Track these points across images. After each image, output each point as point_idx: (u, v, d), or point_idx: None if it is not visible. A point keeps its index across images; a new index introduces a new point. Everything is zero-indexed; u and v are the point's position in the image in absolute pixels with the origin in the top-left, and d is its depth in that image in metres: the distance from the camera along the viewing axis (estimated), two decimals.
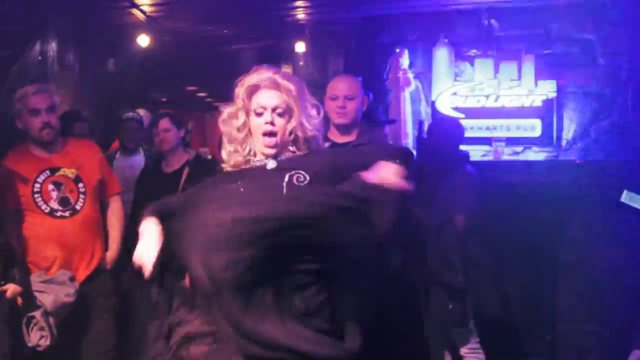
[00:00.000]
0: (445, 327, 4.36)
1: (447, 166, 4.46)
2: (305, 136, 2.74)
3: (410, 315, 4.65)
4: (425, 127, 6.32)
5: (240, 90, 2.72)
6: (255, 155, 2.74)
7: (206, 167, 4.52)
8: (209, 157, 6.54)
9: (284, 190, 2.50)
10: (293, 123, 2.71)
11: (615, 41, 6.00)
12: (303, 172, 2.57)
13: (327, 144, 3.52)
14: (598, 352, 5.20)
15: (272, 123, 2.67)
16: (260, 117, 2.68)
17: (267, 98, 2.69)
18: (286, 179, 2.53)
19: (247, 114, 2.72)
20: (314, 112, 2.78)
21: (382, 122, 5.69)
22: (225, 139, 2.78)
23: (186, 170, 4.59)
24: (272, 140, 2.67)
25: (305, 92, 2.77)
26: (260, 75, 2.71)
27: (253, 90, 2.70)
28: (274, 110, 2.68)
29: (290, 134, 2.70)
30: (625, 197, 3.62)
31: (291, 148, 2.73)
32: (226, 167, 2.77)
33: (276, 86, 2.69)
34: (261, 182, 2.58)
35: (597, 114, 6.08)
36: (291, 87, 2.70)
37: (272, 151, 2.68)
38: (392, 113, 6.67)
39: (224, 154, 2.78)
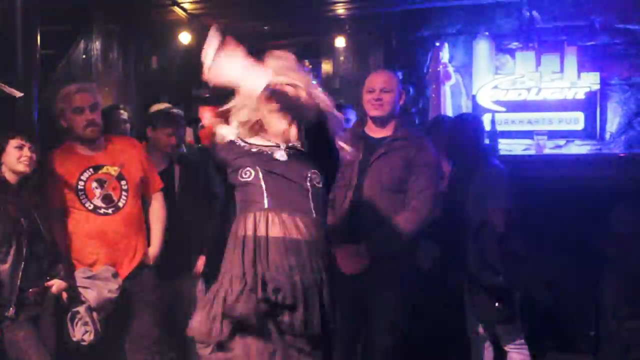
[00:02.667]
0: (491, 324, 4.29)
1: (473, 163, 4.37)
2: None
3: (450, 311, 4.63)
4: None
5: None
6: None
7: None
8: None
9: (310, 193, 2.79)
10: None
11: None
12: (317, 172, 2.83)
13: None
14: None
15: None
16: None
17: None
18: (308, 181, 2.81)
19: None
20: None
21: None
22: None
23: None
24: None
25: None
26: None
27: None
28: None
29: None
30: None
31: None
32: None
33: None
34: (282, 179, 2.81)
35: None
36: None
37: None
38: (432, 107, 6.60)
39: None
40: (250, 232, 2.73)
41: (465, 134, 4.47)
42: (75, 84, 4.18)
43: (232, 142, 2.95)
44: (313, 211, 2.78)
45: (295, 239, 2.72)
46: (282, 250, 2.70)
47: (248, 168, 2.83)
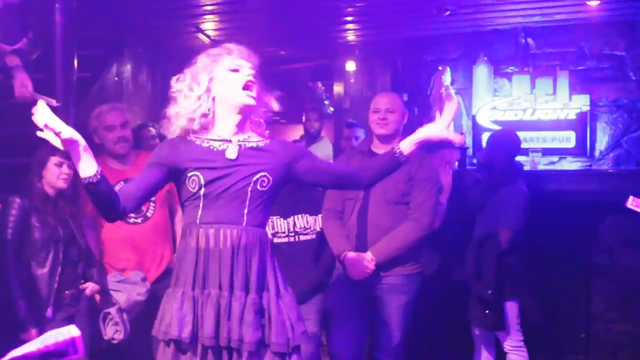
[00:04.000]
0: (485, 328, 4.30)
1: (499, 179, 4.37)
2: (263, 110, 2.67)
3: (452, 314, 4.64)
4: (467, 139, 6.31)
5: (205, 59, 2.61)
6: (212, 126, 2.59)
7: None
8: None
9: (247, 200, 2.51)
10: (260, 97, 2.61)
11: None
12: (267, 175, 2.53)
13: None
14: (629, 349, 5.08)
15: (252, 76, 2.57)
16: (238, 72, 2.56)
17: (245, 59, 2.59)
18: (251, 186, 2.51)
19: (210, 80, 2.57)
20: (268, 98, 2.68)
21: (454, 148, 5.47)
22: (176, 109, 2.60)
23: None
24: (253, 93, 2.55)
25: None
26: (230, 44, 2.63)
27: (229, 53, 2.60)
28: (250, 69, 2.59)
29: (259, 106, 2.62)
30: (631, 202, 3.53)
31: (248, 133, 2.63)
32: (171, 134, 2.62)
33: (250, 57, 2.61)
34: (222, 185, 2.50)
35: (628, 126, 5.96)
36: (257, 63, 2.63)
37: (253, 102, 2.55)
38: None
39: (174, 125, 2.59)
40: (192, 246, 2.52)
41: (500, 150, 4.46)
42: (107, 103, 4.24)
43: (180, 139, 2.60)
44: (245, 219, 2.52)
45: (221, 250, 2.49)
46: (212, 263, 2.49)
47: (194, 176, 2.51)
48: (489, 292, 4.04)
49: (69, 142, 2.26)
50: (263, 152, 2.59)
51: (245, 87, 2.54)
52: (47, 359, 1.79)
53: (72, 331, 1.86)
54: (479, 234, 4.26)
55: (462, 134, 6.30)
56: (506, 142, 4.54)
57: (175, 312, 2.47)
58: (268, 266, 2.57)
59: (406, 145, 2.66)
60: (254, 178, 2.52)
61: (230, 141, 2.57)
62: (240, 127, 2.61)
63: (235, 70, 2.57)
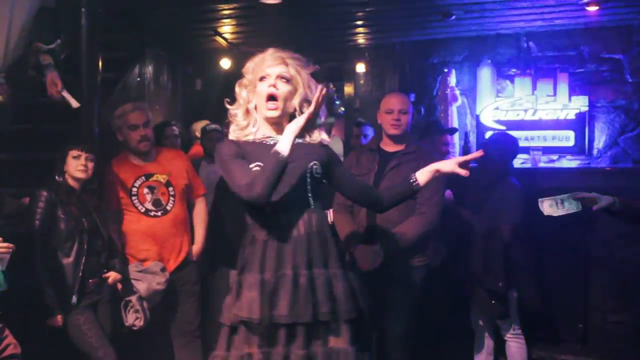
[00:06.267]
0: (490, 318, 4.26)
1: (496, 178, 4.33)
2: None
3: (456, 304, 4.61)
4: (470, 138, 6.28)
5: (250, 65, 2.64)
6: (259, 126, 2.62)
7: None
8: None
9: (309, 185, 2.57)
10: (298, 97, 2.58)
11: None
12: (318, 163, 2.60)
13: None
14: (625, 338, 5.03)
15: (275, 86, 2.53)
16: (264, 82, 2.56)
17: (272, 67, 2.57)
18: (308, 172, 2.57)
19: (254, 86, 2.59)
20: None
21: (444, 131, 5.59)
22: (233, 112, 2.66)
23: None
24: (274, 104, 2.53)
25: (310, 77, 2.64)
26: (268, 50, 2.63)
27: (261, 62, 2.60)
28: (277, 77, 2.56)
29: (294, 107, 2.58)
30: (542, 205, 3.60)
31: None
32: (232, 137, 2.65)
33: (282, 61, 2.58)
34: (287, 170, 2.46)
35: (625, 126, 5.92)
36: (298, 63, 2.61)
37: (275, 114, 2.54)
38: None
39: (233, 125, 2.66)
40: (264, 231, 2.53)
41: (498, 152, 4.41)
42: (130, 103, 4.23)
43: (235, 139, 2.64)
44: (311, 203, 2.58)
45: (294, 236, 2.50)
46: (286, 246, 2.50)
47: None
48: (500, 284, 4.01)
49: None
50: (309, 147, 2.63)
51: (267, 99, 2.55)
52: None
53: None
54: (482, 231, 4.22)
55: (466, 132, 6.26)
56: (504, 146, 4.47)
57: (246, 295, 2.46)
58: (338, 245, 2.64)
59: (422, 176, 2.79)
60: (309, 165, 2.58)
61: (275, 138, 2.58)
62: (278, 128, 2.60)
63: (263, 79, 2.58)
